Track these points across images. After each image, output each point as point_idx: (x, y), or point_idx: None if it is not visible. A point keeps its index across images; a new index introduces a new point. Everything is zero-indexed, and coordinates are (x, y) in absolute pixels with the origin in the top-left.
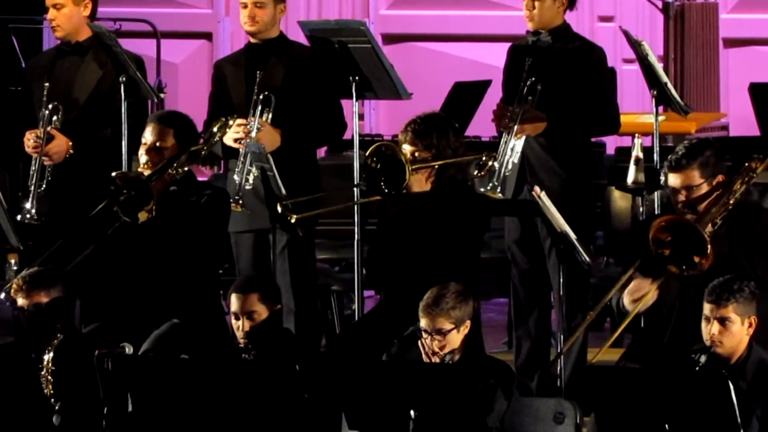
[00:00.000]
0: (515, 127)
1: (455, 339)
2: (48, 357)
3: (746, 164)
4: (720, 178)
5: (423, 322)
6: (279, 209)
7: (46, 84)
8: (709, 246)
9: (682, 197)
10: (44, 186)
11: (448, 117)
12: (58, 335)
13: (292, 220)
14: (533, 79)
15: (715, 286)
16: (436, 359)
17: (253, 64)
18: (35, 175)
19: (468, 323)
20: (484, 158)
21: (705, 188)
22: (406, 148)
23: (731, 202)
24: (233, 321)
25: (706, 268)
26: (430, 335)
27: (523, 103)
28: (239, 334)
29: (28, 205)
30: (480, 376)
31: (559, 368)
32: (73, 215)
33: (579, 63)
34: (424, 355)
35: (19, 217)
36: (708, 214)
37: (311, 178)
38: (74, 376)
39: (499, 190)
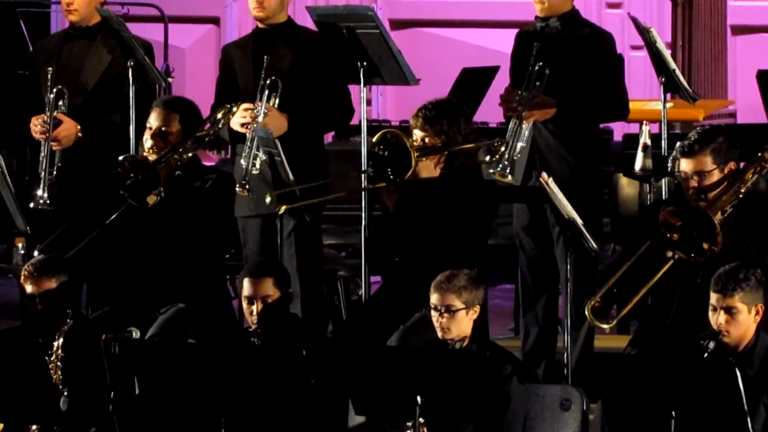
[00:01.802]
0: (524, 111)
1: (463, 321)
2: (58, 343)
3: (759, 154)
4: (731, 165)
5: (433, 299)
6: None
7: (50, 69)
8: (719, 235)
9: (693, 183)
10: (55, 172)
11: (459, 103)
12: (68, 321)
13: (280, 211)
14: (541, 63)
15: (720, 275)
16: (446, 336)
17: (260, 49)
18: (45, 161)
19: (477, 309)
20: (496, 144)
21: (717, 175)
22: (417, 134)
23: (742, 190)
24: (245, 306)
25: (716, 254)
26: (440, 312)
27: (531, 87)
28: (252, 319)
29: (40, 192)
30: (489, 362)
31: (565, 355)
32: (83, 201)
33: (588, 49)
34: (439, 331)
35: (32, 205)
36: (718, 201)
37: (318, 163)
38: (81, 360)
39: (508, 171)
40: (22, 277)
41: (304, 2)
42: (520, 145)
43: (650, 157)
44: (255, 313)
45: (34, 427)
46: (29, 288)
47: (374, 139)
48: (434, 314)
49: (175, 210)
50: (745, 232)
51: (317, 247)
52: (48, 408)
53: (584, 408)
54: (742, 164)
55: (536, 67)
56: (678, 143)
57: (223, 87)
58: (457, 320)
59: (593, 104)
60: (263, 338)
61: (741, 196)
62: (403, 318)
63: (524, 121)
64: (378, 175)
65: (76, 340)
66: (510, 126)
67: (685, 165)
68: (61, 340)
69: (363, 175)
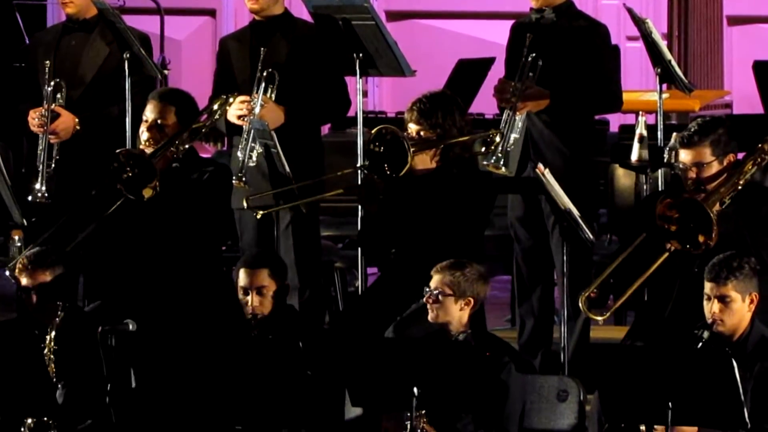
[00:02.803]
0: (517, 102)
1: (452, 309)
2: (50, 336)
3: (759, 146)
4: (731, 157)
5: (431, 281)
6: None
7: (47, 62)
8: (715, 227)
9: (692, 174)
10: (53, 165)
11: (453, 95)
12: (59, 313)
13: (258, 216)
14: (534, 54)
15: (714, 264)
16: (434, 320)
17: (257, 41)
18: (43, 154)
19: (471, 301)
20: (491, 135)
21: (716, 166)
22: (412, 128)
23: (741, 182)
24: (241, 296)
25: (711, 248)
26: (430, 294)
27: (524, 78)
28: (247, 310)
29: (38, 185)
30: (485, 354)
31: (562, 346)
32: (81, 194)
33: (583, 41)
34: (429, 313)
35: (30, 198)
36: (716, 193)
37: (315, 155)
38: (77, 353)
39: (502, 162)
40: (17, 270)
41: None
42: (513, 136)
43: (646, 148)
44: (250, 303)
45: (29, 420)
46: (24, 280)
47: (371, 137)
48: (427, 295)
49: (173, 202)
50: (743, 223)
51: (315, 239)
52: (44, 400)
53: (581, 399)
54: (741, 155)
55: (529, 58)
56: (674, 134)
57: (221, 79)
58: (444, 307)
59: (586, 95)
60: (257, 331)
61: (740, 188)
62: (400, 310)
63: (518, 112)
64: (375, 172)
65: (71, 332)
66: (503, 117)
67: (684, 156)
68: (53, 333)
69: (359, 171)
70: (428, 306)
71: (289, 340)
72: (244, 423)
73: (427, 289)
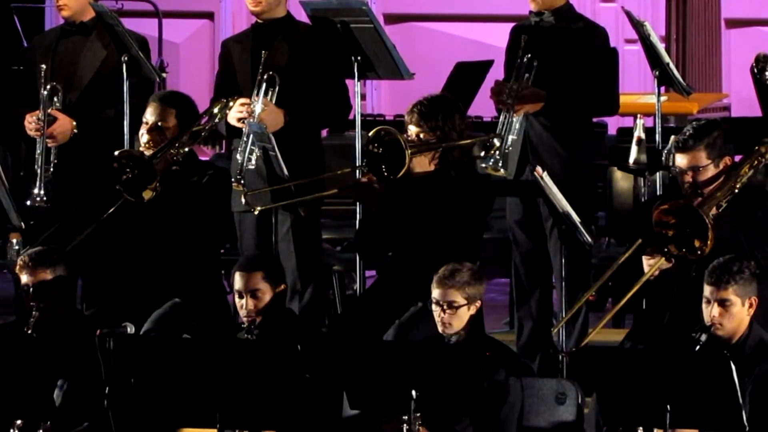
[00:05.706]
0: (513, 104)
1: (464, 316)
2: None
3: (756, 148)
4: (727, 160)
5: (436, 293)
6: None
7: (43, 66)
8: (710, 233)
9: (688, 178)
10: (51, 169)
11: (454, 99)
12: (34, 312)
13: (255, 212)
14: (529, 55)
15: (714, 268)
16: (447, 331)
17: (259, 44)
18: (41, 158)
19: (478, 304)
20: (491, 139)
21: (712, 170)
22: (412, 130)
23: (738, 186)
24: (236, 300)
25: (707, 253)
26: (442, 308)
27: (520, 80)
28: (242, 313)
29: (36, 189)
30: (483, 357)
31: (560, 349)
32: (79, 197)
33: (581, 43)
34: (439, 325)
35: (28, 202)
36: (713, 197)
37: (315, 158)
38: (75, 355)
39: (500, 164)
40: (18, 267)
41: None
42: (511, 138)
43: (644, 151)
44: (245, 307)
45: (18, 421)
46: (24, 278)
47: (369, 137)
48: (436, 309)
49: (172, 205)
50: (739, 226)
51: (316, 243)
52: (42, 402)
53: (579, 401)
54: (737, 158)
55: (525, 59)
56: (672, 136)
57: (222, 81)
58: (458, 315)
59: (583, 98)
60: (255, 334)
61: (736, 191)
62: (399, 312)
63: (514, 114)
64: (373, 173)
65: (69, 334)
66: (501, 119)
67: (680, 160)
68: (29, 332)
69: (357, 171)
70: (439, 319)
71: (287, 343)
72: (242, 426)
73: (434, 302)
